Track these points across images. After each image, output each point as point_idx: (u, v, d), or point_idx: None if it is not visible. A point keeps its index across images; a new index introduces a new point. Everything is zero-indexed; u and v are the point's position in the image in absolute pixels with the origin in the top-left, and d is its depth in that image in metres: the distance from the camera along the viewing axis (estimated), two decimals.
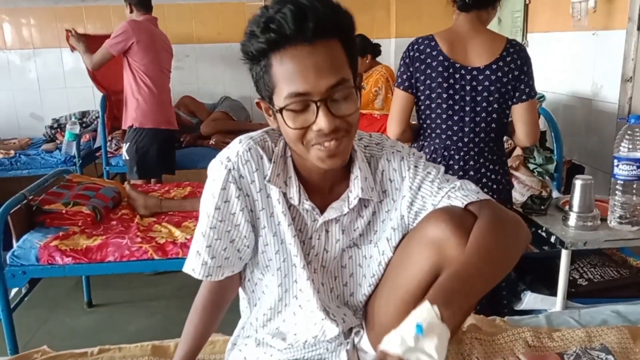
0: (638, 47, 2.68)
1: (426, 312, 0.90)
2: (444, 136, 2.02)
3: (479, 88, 1.97)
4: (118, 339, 1.56)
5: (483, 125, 1.99)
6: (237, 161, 1.11)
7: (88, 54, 3.47)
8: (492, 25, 2.14)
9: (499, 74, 1.95)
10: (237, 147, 1.13)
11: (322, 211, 1.15)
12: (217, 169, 1.13)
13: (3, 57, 4.60)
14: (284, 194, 1.13)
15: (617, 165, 1.93)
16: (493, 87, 1.95)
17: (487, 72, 1.96)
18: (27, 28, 4.63)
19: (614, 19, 2.85)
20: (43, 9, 4.57)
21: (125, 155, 3.57)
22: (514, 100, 1.99)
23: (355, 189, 1.14)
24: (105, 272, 2.23)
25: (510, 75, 1.95)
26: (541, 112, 3.02)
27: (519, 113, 2.00)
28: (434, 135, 2.04)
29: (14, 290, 2.26)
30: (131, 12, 3.46)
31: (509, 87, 1.96)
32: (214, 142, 4.09)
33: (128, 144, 3.52)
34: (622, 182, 1.93)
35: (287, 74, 0.97)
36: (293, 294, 1.20)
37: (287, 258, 1.17)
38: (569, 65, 3.29)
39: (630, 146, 1.92)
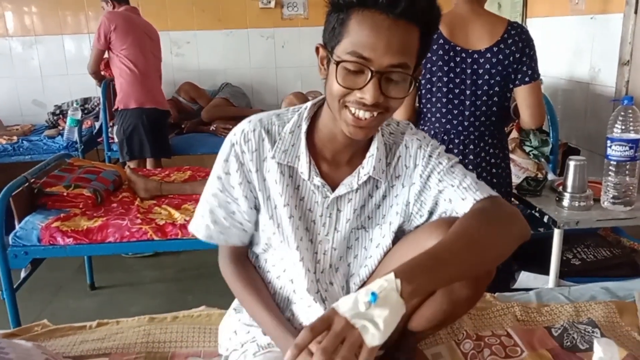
0: (635, 30, 2.68)
1: (387, 282, 0.88)
2: (444, 120, 2.02)
3: (480, 71, 1.96)
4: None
5: (484, 109, 1.99)
6: (240, 138, 1.15)
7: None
8: (492, 10, 2.13)
9: (500, 56, 1.94)
10: (244, 126, 1.17)
11: (333, 189, 1.16)
12: (225, 142, 1.18)
13: (5, 45, 4.62)
14: (289, 172, 1.15)
15: (610, 146, 1.95)
16: (494, 70, 1.94)
17: (488, 55, 1.94)
18: (29, 16, 4.64)
19: (611, 2, 2.85)
20: None
21: (115, 138, 3.69)
22: (517, 82, 1.97)
23: (367, 166, 1.15)
24: (106, 252, 2.27)
25: (511, 58, 1.93)
26: None
27: (522, 95, 1.99)
28: (433, 119, 2.04)
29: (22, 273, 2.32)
30: (113, 7, 3.63)
31: (510, 70, 1.95)
32: (214, 128, 4.11)
33: (116, 126, 3.65)
34: (615, 163, 1.95)
35: (361, 35, 0.98)
36: (289, 277, 1.23)
37: (283, 240, 1.19)
38: (568, 50, 3.29)
39: (623, 127, 1.93)
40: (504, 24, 1.96)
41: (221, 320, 1.38)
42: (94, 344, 1.41)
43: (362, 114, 1.02)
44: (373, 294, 0.86)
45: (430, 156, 1.18)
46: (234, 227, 1.20)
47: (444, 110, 2.01)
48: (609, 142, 1.95)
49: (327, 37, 1.05)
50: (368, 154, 1.16)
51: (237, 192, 1.17)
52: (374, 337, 0.84)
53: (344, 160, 1.17)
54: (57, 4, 4.59)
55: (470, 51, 1.96)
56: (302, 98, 3.87)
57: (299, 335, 0.86)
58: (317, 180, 1.15)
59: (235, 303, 1.37)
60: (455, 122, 2.01)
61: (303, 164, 1.14)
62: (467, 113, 1.99)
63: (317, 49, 1.10)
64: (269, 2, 4.61)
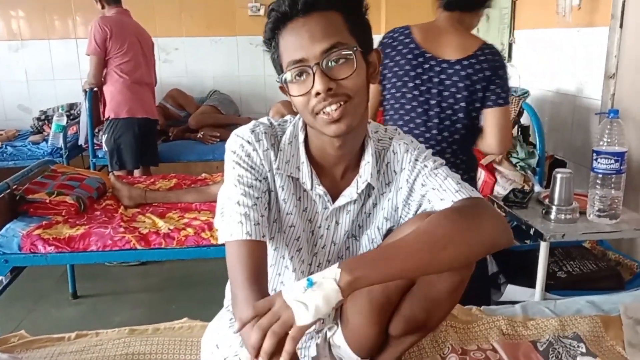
0: (620, 43, 2.70)
1: (329, 271, 0.94)
2: (406, 129, 1.95)
3: (447, 82, 1.90)
4: (102, 329, 1.54)
5: (447, 123, 1.92)
6: (252, 136, 1.13)
7: (88, 78, 3.58)
8: (480, 22, 2.10)
9: (470, 70, 1.88)
10: (252, 127, 1.15)
11: (333, 200, 1.16)
12: (234, 142, 1.14)
13: None
14: (292, 182, 1.14)
15: (596, 159, 1.96)
16: (462, 84, 1.88)
17: (457, 67, 1.89)
18: (16, 19, 4.60)
19: (597, 16, 2.87)
20: (32, 0, 4.53)
21: (104, 147, 3.62)
22: (488, 103, 1.91)
23: (364, 174, 1.15)
24: (87, 261, 2.24)
25: (481, 75, 1.88)
26: (524, 107, 3.05)
27: (492, 117, 1.93)
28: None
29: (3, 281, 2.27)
30: (102, 7, 3.53)
31: (479, 87, 1.89)
32: (201, 136, 4.09)
33: (105, 135, 3.58)
34: (601, 176, 1.96)
35: (287, 46, 1.03)
36: (273, 287, 1.21)
37: (279, 248, 1.18)
38: (554, 62, 3.31)
39: (609, 140, 1.94)
40: (478, 42, 1.93)
41: (203, 332, 1.36)
42: (72, 356, 1.39)
43: (329, 108, 1.03)
44: (309, 280, 0.93)
45: (416, 160, 1.17)
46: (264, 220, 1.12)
47: (406, 117, 1.96)
48: (595, 155, 1.96)
49: (277, 73, 1.09)
50: (363, 162, 1.16)
51: (263, 186, 1.13)
52: (303, 317, 0.90)
53: (338, 174, 1.16)
54: (44, 8, 4.55)
55: (439, 59, 1.91)
56: (289, 106, 3.85)
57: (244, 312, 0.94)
58: (320, 190, 1.14)
59: (219, 314, 1.35)
60: (417, 132, 1.94)
61: (305, 174, 1.13)
62: (430, 124, 1.93)
63: (281, 89, 1.12)
64: (258, 9, 4.61)
